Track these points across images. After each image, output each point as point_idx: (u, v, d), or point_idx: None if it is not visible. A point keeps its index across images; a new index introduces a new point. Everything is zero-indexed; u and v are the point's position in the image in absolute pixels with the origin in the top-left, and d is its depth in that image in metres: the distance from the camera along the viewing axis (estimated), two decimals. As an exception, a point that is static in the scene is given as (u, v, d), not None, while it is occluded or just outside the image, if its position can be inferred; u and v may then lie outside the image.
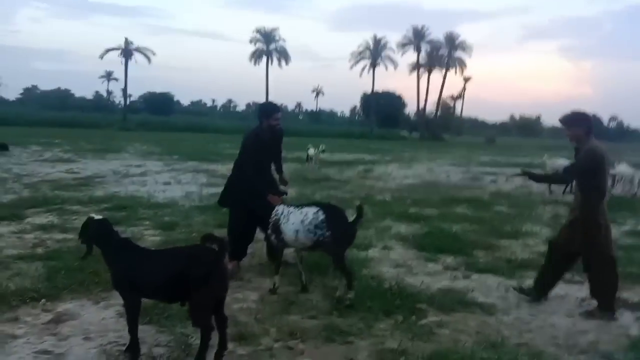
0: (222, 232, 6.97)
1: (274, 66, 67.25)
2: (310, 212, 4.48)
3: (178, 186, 11.73)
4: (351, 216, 4.53)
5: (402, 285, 4.92)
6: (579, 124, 4.53)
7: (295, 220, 4.55)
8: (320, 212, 4.44)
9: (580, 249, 4.55)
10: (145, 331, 3.73)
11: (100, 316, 4.07)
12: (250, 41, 66.14)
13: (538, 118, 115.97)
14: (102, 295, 4.46)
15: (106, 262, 3.46)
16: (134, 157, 19.55)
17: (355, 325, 3.98)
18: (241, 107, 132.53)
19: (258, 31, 65.58)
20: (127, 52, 61.64)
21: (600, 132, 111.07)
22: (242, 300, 4.49)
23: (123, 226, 7.10)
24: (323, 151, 19.46)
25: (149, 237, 6.61)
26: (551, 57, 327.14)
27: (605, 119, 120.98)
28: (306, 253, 4.88)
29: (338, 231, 4.41)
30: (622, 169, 12.68)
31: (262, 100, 69.18)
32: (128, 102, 72.91)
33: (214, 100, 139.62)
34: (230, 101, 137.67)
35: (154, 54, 63.66)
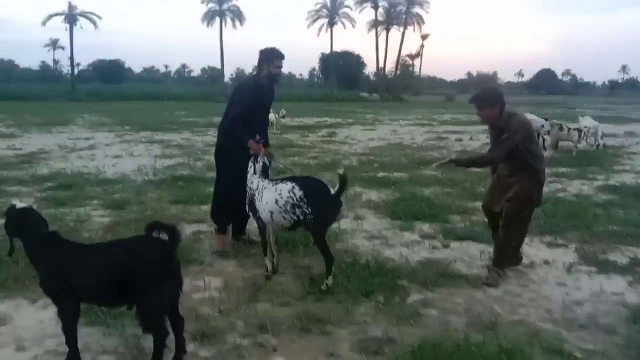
0: (179, 209, 6.46)
1: (228, 28, 64.97)
2: (284, 190, 3.93)
3: (130, 159, 10.93)
4: (333, 187, 4.01)
5: (380, 260, 4.51)
6: (494, 104, 4.11)
7: (268, 198, 4.02)
8: (297, 189, 3.89)
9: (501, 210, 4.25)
10: (89, 335, 3.19)
11: (37, 318, 3.48)
12: (202, 1, 63.41)
13: (495, 74, 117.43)
14: (41, 291, 3.84)
15: (31, 261, 2.87)
16: (82, 129, 18.37)
17: (332, 311, 3.54)
18: (196, 72, 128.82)
19: (210, -10, 62.86)
20: (70, 17, 58.03)
21: (555, 85, 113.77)
22: (203, 289, 3.97)
23: (68, 207, 6.44)
24: (283, 116, 18.78)
25: (97, 219, 5.96)
26: (506, 13, 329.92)
27: (559, 73, 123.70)
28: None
29: (321, 207, 3.87)
30: (587, 122, 12.59)
31: (218, 64, 67.30)
32: (77, 72, 69.42)
33: (167, 66, 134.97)
34: (184, 66, 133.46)
35: (100, 18, 60.29)
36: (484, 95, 4.21)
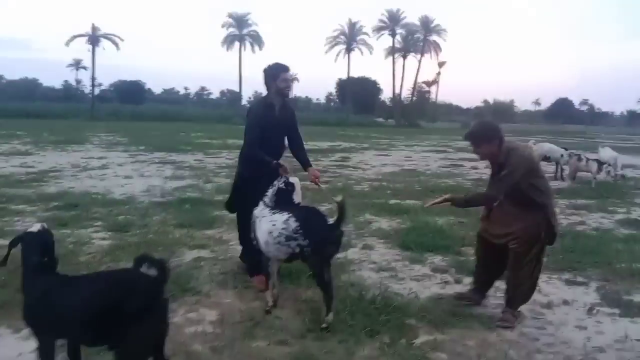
0: (182, 233, 6.27)
1: (247, 52, 65.90)
2: (279, 221, 3.71)
3: (140, 180, 10.83)
4: (332, 216, 3.79)
5: (387, 296, 4.23)
6: (491, 139, 3.82)
7: (264, 228, 3.81)
8: (292, 220, 3.66)
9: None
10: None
11: (16, 351, 3.28)
12: (223, 26, 64.55)
13: (512, 102, 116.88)
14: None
15: (22, 288, 2.67)
16: (97, 148, 18.47)
17: (333, 353, 3.28)
18: (215, 94, 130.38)
19: (230, 16, 64.01)
20: (94, 38, 59.36)
21: (573, 114, 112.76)
22: (196, 321, 3.74)
23: (69, 228, 6.29)
24: None
25: (97, 241, 5.79)
26: (523, 41, 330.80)
27: (576, 102, 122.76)
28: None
29: (318, 239, 3.63)
30: (607, 153, 12.25)
31: (236, 87, 68.04)
32: (98, 91, 70.61)
33: (186, 88, 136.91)
34: (203, 89, 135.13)
35: (122, 40, 61.52)
36: (480, 130, 3.91)
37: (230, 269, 4.85)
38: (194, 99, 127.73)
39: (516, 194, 3.79)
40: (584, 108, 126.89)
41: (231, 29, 64.13)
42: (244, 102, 68.31)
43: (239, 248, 4.96)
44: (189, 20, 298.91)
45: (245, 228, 4.38)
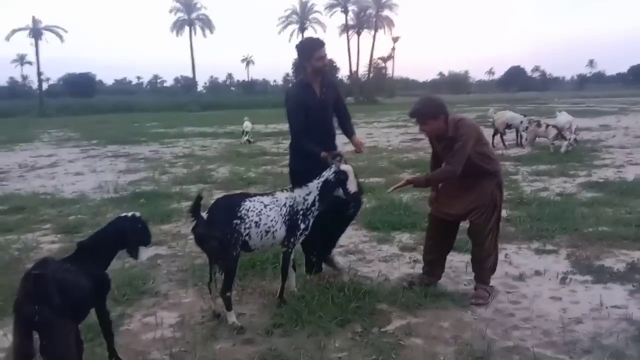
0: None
1: (198, 36, 64.26)
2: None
3: (92, 176, 10.30)
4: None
5: (357, 281, 4.06)
6: (437, 115, 3.67)
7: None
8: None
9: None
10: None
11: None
12: (170, 11, 62.46)
13: (466, 73, 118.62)
14: None
15: None
16: (47, 145, 17.60)
17: (303, 348, 3.07)
18: (169, 82, 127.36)
19: (177, 0, 61.97)
20: (35, 31, 56.52)
21: (526, 82, 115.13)
22: (154, 326, 3.46)
23: (15, 233, 5.86)
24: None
25: (46, 246, 5.41)
26: (474, 13, 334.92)
27: (528, 70, 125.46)
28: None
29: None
30: (564, 117, 12.37)
31: (190, 73, 66.33)
32: (46, 86, 67.69)
33: (139, 78, 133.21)
34: (157, 77, 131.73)
35: (65, 31, 58.81)
36: (424, 107, 3.74)
37: (190, 266, 4.56)
38: (147, 88, 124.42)
39: (468, 166, 3.65)
40: (536, 75, 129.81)
41: (179, 14, 62.15)
42: (200, 87, 66.91)
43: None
44: (136, 6, 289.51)
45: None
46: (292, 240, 3.63)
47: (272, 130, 21.16)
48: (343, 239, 5.33)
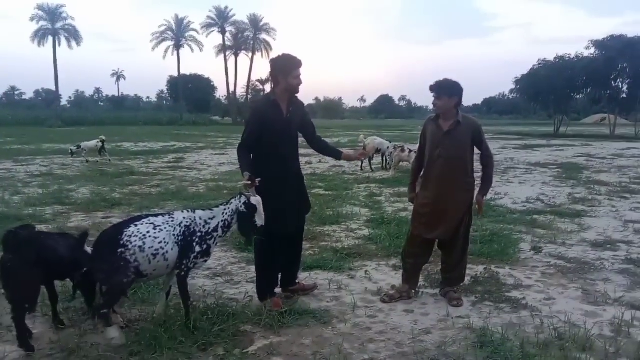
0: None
1: (62, 48, 59.80)
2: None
3: None
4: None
5: (222, 303, 4.02)
6: (452, 95, 4.05)
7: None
8: None
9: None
10: None
11: None
12: (32, 19, 57.56)
13: (340, 99, 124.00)
14: None
15: None
16: None
17: (160, 375, 2.98)
18: (29, 94, 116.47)
19: (40, 8, 57.27)
20: None
21: (393, 109, 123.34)
22: (-6, 362, 3.14)
23: None
24: (103, 141, 16.22)
25: None
26: (347, 42, 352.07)
27: (396, 98, 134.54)
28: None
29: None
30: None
31: (53, 86, 61.31)
32: None
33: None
34: (13, 89, 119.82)
35: None
36: (445, 82, 4.07)
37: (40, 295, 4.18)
38: (3, 101, 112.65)
39: (467, 166, 4.14)
40: (403, 103, 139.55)
41: (42, 23, 57.54)
42: (64, 102, 62.07)
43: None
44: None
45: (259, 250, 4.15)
46: (184, 262, 3.50)
47: (142, 149, 20.32)
48: (211, 261, 5.27)
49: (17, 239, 3.17)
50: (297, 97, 4.12)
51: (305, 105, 4.39)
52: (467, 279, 4.77)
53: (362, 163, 14.20)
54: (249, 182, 3.69)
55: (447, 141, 4.07)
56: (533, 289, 4.58)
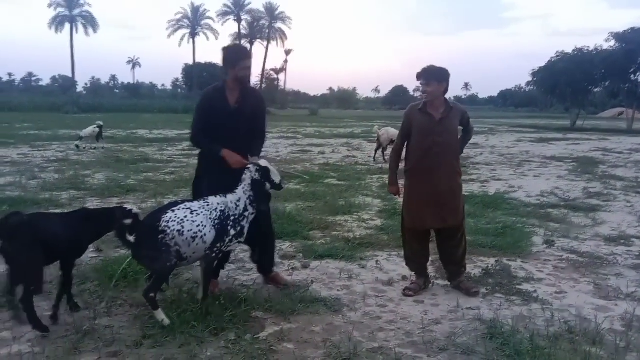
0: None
1: (79, 35, 60.31)
2: None
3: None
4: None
5: (234, 290, 4.07)
6: (441, 82, 4.08)
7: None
8: None
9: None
10: None
11: None
12: (50, 5, 58.08)
13: (354, 90, 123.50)
14: None
15: None
16: None
17: (173, 358, 3.03)
18: (46, 81, 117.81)
19: (58, -7, 57.79)
20: None
21: (408, 100, 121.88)
22: (11, 341, 3.21)
23: None
24: (101, 126, 16.07)
25: None
26: (363, 32, 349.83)
27: (410, 89, 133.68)
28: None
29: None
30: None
31: (69, 73, 61.89)
32: None
33: (10, 75, 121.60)
34: (31, 75, 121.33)
35: None
36: (434, 68, 4.11)
37: (55, 278, 4.27)
38: (20, 86, 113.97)
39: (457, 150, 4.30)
40: (417, 94, 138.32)
41: (60, 9, 58.06)
42: (80, 88, 62.68)
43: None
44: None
45: None
46: (218, 245, 3.60)
47: (157, 136, 20.47)
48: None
49: (9, 225, 3.19)
50: (255, 89, 4.05)
51: (264, 99, 4.26)
52: (478, 270, 4.78)
53: (375, 154, 14.17)
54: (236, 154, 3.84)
55: (441, 128, 4.09)
56: (544, 282, 4.57)
